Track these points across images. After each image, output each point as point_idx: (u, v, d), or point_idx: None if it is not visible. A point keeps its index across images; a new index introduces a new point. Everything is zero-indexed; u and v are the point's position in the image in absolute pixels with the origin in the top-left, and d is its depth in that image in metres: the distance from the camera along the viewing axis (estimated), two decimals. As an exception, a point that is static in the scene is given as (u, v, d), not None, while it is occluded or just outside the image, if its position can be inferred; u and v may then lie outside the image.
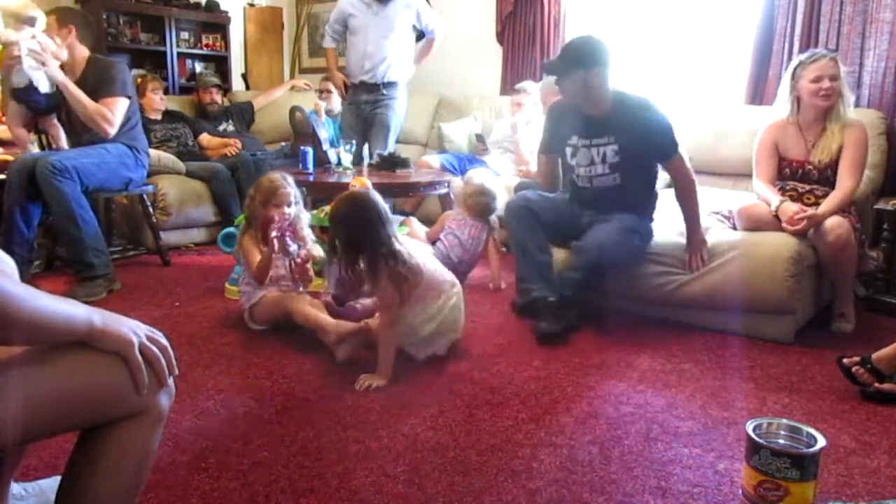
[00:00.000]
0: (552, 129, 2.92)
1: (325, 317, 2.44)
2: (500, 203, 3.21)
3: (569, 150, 2.81)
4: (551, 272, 2.77)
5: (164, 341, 1.06)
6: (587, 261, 2.60)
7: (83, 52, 3.29)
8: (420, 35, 4.56)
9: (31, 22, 3.10)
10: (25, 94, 3.17)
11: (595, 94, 2.63)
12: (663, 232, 2.83)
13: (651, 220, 2.81)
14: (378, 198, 2.20)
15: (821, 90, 2.68)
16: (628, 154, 2.66)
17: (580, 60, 2.58)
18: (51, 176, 3.00)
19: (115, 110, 3.23)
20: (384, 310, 2.19)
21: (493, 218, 3.30)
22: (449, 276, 2.37)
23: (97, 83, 3.22)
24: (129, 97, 3.31)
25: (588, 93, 2.62)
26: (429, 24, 4.43)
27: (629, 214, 2.66)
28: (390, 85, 4.34)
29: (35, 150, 3.47)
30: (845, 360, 2.15)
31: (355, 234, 2.13)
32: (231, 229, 3.16)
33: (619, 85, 2.70)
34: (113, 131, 3.25)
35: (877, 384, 2.07)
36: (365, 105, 4.38)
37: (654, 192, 2.85)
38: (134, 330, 1.03)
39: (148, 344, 1.04)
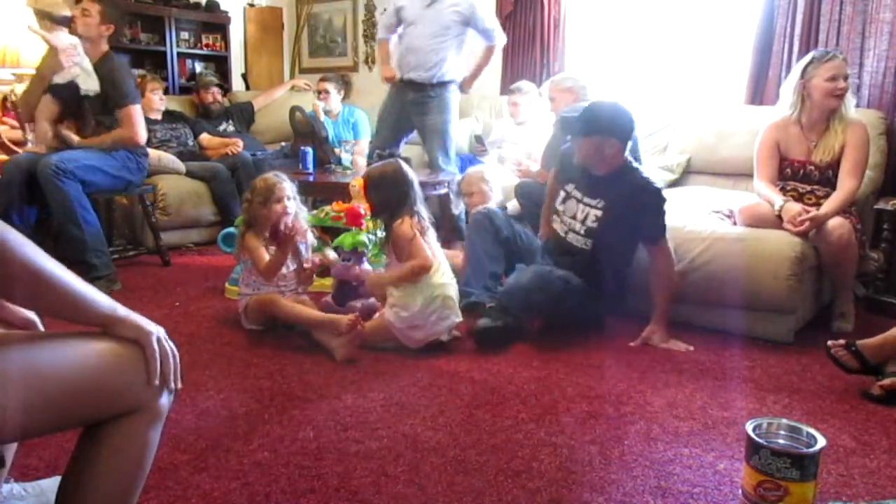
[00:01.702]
0: (562, 162, 2.85)
1: (315, 312, 2.49)
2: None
3: (562, 194, 2.75)
4: (497, 282, 2.69)
5: (175, 350, 1.10)
6: (511, 304, 2.52)
7: (104, 48, 3.32)
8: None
9: (66, 22, 3.18)
10: (63, 91, 3.24)
11: (606, 160, 2.58)
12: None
13: (606, 299, 2.63)
14: (407, 167, 2.51)
15: (836, 89, 2.68)
16: (608, 224, 2.56)
17: (601, 127, 2.54)
18: (53, 176, 3.00)
19: (134, 120, 3.29)
20: (418, 251, 2.38)
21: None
22: (444, 259, 2.53)
23: (105, 87, 3.24)
24: (139, 102, 3.37)
25: (599, 157, 2.58)
26: (486, 26, 3.91)
27: (543, 268, 2.57)
28: (438, 86, 3.92)
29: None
30: (830, 342, 2.18)
31: (387, 193, 2.43)
32: (231, 229, 3.15)
33: (629, 157, 2.64)
34: (141, 140, 3.35)
35: (875, 390, 2.07)
36: (410, 105, 3.99)
37: (623, 279, 2.68)
38: (155, 326, 1.08)
39: (165, 340, 1.08)
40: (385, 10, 5.18)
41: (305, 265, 2.64)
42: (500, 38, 4.00)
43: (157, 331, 1.07)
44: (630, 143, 2.65)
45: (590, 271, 2.57)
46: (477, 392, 2.07)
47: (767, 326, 2.60)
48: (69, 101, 3.28)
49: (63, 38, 3.17)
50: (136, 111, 3.34)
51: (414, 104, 3.96)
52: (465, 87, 4.10)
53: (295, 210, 2.63)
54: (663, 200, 2.57)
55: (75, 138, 3.31)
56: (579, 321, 2.64)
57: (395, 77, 4.02)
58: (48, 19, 3.17)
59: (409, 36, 3.92)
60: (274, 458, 1.65)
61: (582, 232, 2.63)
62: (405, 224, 2.39)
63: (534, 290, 2.47)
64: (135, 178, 3.44)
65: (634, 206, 2.54)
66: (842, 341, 2.17)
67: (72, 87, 3.25)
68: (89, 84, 3.24)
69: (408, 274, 2.38)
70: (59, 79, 3.22)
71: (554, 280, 2.51)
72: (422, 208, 2.48)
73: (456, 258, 2.99)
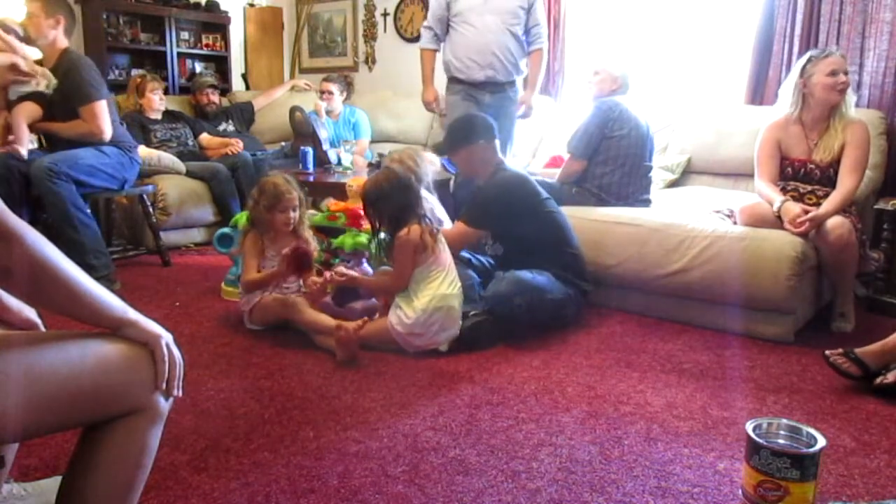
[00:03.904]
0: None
1: (325, 317, 2.46)
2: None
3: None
4: (472, 291, 2.66)
5: (181, 358, 1.11)
6: (496, 311, 2.53)
7: (63, 44, 3.19)
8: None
9: (16, 33, 3.12)
10: (40, 96, 3.17)
11: (482, 166, 2.80)
12: (660, 213, 2.89)
13: (557, 273, 2.66)
14: (403, 170, 2.47)
15: (838, 83, 2.69)
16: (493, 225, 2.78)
17: (463, 137, 2.79)
18: (46, 178, 2.97)
19: (97, 115, 3.16)
20: (400, 270, 2.39)
21: None
22: (452, 265, 2.48)
23: (63, 84, 3.12)
24: (104, 97, 3.21)
25: (475, 165, 2.82)
26: (539, 20, 3.55)
27: (521, 271, 2.59)
28: (512, 84, 3.60)
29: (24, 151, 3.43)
30: (827, 352, 2.18)
31: (389, 206, 2.38)
32: (226, 230, 3.12)
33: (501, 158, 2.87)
34: (106, 136, 3.21)
35: (883, 380, 2.07)
36: (487, 108, 3.52)
37: (547, 247, 2.72)
38: (164, 331, 1.09)
39: (173, 346, 1.09)
40: (378, 8, 4.97)
41: (317, 279, 2.61)
42: (545, 41, 3.64)
43: (166, 336, 1.08)
44: (497, 142, 2.83)
45: (525, 265, 2.64)
46: (477, 392, 2.08)
47: (767, 326, 2.60)
48: (37, 100, 3.19)
49: (29, 51, 3.09)
50: (100, 106, 3.16)
51: (492, 106, 3.54)
52: (525, 103, 3.60)
53: (297, 217, 2.63)
54: (491, 193, 2.73)
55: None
56: (561, 314, 2.66)
57: (438, 101, 3.59)
58: (13, 34, 3.10)
59: (471, 32, 3.46)
60: (274, 458, 1.65)
61: (490, 242, 2.85)
62: (412, 233, 2.34)
63: (514, 295, 2.50)
64: (129, 175, 3.40)
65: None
66: (839, 350, 2.17)
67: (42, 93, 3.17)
68: (52, 86, 3.12)
69: (381, 288, 2.51)
70: (24, 88, 3.08)
71: (529, 280, 2.54)
72: (428, 211, 2.44)
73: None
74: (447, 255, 2.46)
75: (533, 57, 3.61)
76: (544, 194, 2.80)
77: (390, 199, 2.38)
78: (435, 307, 2.33)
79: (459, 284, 2.46)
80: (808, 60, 2.75)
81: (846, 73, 2.70)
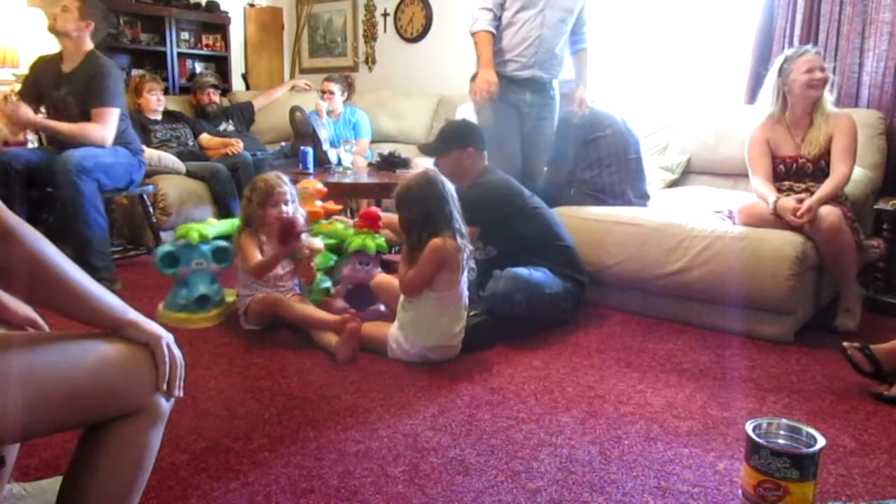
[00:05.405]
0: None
1: (320, 312, 2.48)
2: None
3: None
4: (471, 291, 2.60)
5: (182, 358, 1.10)
6: (496, 310, 2.52)
7: (88, 46, 3.24)
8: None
9: None
10: (38, 91, 3.19)
11: (468, 171, 2.76)
12: (660, 212, 2.89)
13: (553, 268, 2.65)
14: (442, 178, 2.34)
15: (813, 80, 2.74)
16: (482, 227, 2.72)
17: (455, 140, 2.76)
18: (74, 174, 2.97)
19: (107, 121, 3.19)
20: (419, 274, 2.26)
21: None
22: (465, 292, 2.38)
23: (88, 85, 3.16)
24: (119, 107, 3.25)
25: (462, 170, 2.75)
26: (585, 18, 3.34)
27: (518, 269, 2.57)
28: (552, 83, 3.34)
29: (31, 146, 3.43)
30: (845, 343, 2.19)
31: (414, 211, 2.29)
32: (169, 247, 2.79)
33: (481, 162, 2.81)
34: (108, 141, 3.22)
35: (885, 391, 2.07)
36: (530, 108, 3.24)
37: (539, 244, 2.72)
38: (165, 332, 1.09)
39: (174, 347, 1.08)
40: (378, 9, 4.97)
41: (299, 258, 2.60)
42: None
43: (167, 336, 1.08)
44: (481, 149, 2.78)
45: (520, 263, 2.62)
46: (477, 392, 2.08)
47: (767, 326, 2.60)
48: (48, 96, 3.21)
49: None
50: (112, 113, 3.21)
51: (533, 106, 3.25)
52: (582, 99, 3.31)
53: (291, 213, 2.63)
54: (478, 194, 2.68)
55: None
56: (561, 308, 2.66)
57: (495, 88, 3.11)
58: None
59: (529, 23, 3.13)
60: (274, 458, 1.65)
61: (479, 245, 2.79)
62: (448, 244, 2.22)
63: (513, 291, 2.49)
64: (136, 177, 3.44)
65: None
66: (856, 343, 2.17)
67: (48, 84, 3.18)
68: None
69: (399, 280, 2.35)
70: None
71: (527, 277, 2.54)
72: (462, 227, 2.30)
73: None
74: (463, 284, 2.35)
75: (582, 55, 3.40)
76: (528, 193, 2.80)
77: (419, 202, 2.29)
78: (436, 345, 2.30)
79: (464, 315, 2.37)
80: (785, 60, 2.81)
81: (823, 70, 2.75)
